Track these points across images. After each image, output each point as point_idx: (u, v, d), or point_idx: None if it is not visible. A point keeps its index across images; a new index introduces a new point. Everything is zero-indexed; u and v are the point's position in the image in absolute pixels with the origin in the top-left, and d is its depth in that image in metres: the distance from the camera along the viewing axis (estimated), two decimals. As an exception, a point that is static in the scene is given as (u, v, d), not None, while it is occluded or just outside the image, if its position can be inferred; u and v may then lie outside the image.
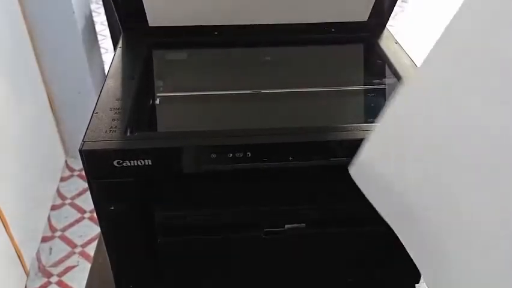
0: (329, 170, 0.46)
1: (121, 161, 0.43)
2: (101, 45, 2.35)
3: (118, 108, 0.48)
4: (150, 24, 0.64)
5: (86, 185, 1.70)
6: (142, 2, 0.60)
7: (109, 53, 2.46)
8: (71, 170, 1.79)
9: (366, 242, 0.52)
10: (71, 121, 1.76)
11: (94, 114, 0.47)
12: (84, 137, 0.44)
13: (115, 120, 0.46)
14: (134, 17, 0.63)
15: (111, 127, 0.45)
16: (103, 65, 1.92)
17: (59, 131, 1.76)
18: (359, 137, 0.46)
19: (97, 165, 0.44)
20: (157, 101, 0.52)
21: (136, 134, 0.45)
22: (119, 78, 0.53)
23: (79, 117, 1.76)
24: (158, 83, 0.58)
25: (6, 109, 1.35)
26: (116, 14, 0.62)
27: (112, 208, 0.45)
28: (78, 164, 1.81)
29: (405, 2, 3.41)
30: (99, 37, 2.51)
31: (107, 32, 2.22)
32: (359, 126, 0.47)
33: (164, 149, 0.44)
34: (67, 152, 1.80)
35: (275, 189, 0.49)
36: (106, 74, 0.54)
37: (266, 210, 0.49)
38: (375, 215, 0.38)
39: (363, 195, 0.38)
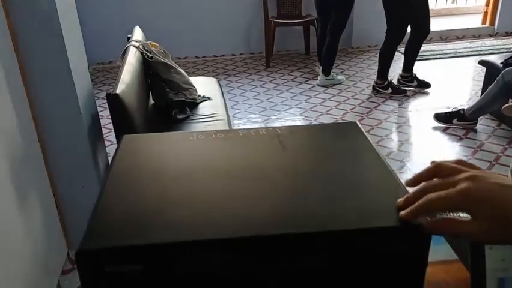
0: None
1: (113, 266, 0.48)
2: (106, 138, 2.47)
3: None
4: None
5: (87, 278, 1.71)
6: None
7: (114, 144, 2.57)
8: (73, 263, 1.80)
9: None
10: (74, 214, 1.80)
11: (92, 218, 0.52)
12: (81, 242, 0.49)
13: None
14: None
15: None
16: (107, 158, 2.01)
17: (63, 224, 1.80)
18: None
19: (90, 270, 0.48)
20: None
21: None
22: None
23: (83, 211, 1.81)
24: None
25: (12, 202, 1.40)
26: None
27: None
28: (80, 257, 1.82)
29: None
30: (105, 130, 2.63)
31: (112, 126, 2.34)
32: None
33: (155, 253, 0.48)
34: (69, 245, 1.83)
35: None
36: (107, 175, 0.60)
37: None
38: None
39: None
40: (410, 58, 3.44)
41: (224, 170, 0.62)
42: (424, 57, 4.07)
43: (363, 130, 0.72)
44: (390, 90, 3.45)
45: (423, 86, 3.49)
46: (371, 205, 0.53)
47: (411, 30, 3.30)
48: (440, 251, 0.83)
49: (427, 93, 3.46)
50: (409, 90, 3.48)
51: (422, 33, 3.28)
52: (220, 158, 0.66)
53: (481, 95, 2.88)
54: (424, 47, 3.64)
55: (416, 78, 3.50)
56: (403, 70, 3.50)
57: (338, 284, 0.53)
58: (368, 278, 0.52)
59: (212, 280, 0.51)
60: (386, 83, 3.45)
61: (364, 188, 0.57)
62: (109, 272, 0.48)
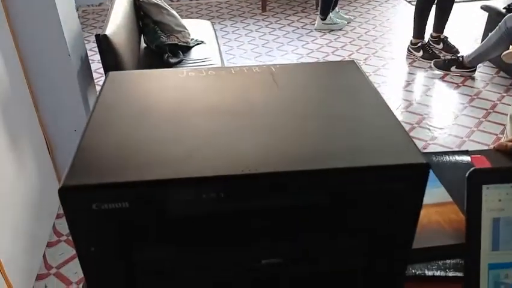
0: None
1: (99, 204, 0.46)
2: (98, 83, 2.41)
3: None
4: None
5: (81, 221, 1.73)
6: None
7: (105, 90, 2.51)
8: (67, 207, 1.81)
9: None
10: (67, 158, 1.79)
11: (76, 155, 0.50)
12: (63, 179, 0.47)
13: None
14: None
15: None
16: (98, 103, 1.97)
17: (55, 169, 1.79)
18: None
19: (74, 207, 0.47)
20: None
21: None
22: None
23: (75, 155, 1.80)
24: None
25: (3, 149, 1.38)
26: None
27: (92, 249, 0.48)
28: (74, 201, 1.83)
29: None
30: (97, 75, 2.57)
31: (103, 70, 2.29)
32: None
33: (140, 191, 0.47)
34: (63, 189, 1.83)
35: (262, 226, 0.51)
36: (92, 111, 0.57)
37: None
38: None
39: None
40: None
41: (214, 107, 0.59)
42: (425, 2, 3.95)
43: (361, 68, 0.69)
44: (421, 53, 3.09)
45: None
46: (368, 143, 0.51)
47: None
48: (435, 193, 0.83)
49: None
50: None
51: None
52: (210, 95, 0.63)
53: (481, 42, 2.81)
54: (426, -9, 3.51)
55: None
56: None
57: (332, 221, 0.52)
58: (362, 216, 0.51)
59: (200, 219, 0.50)
60: (420, 44, 3.10)
61: (361, 126, 0.55)
62: (93, 209, 0.46)
